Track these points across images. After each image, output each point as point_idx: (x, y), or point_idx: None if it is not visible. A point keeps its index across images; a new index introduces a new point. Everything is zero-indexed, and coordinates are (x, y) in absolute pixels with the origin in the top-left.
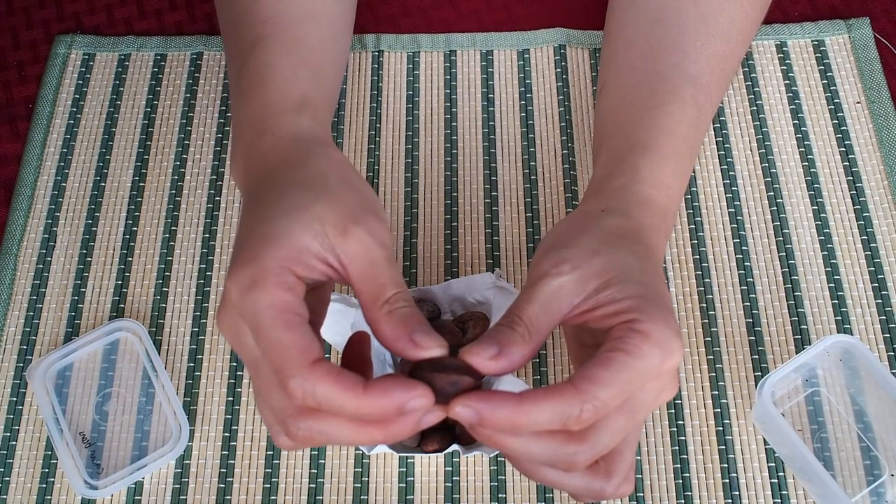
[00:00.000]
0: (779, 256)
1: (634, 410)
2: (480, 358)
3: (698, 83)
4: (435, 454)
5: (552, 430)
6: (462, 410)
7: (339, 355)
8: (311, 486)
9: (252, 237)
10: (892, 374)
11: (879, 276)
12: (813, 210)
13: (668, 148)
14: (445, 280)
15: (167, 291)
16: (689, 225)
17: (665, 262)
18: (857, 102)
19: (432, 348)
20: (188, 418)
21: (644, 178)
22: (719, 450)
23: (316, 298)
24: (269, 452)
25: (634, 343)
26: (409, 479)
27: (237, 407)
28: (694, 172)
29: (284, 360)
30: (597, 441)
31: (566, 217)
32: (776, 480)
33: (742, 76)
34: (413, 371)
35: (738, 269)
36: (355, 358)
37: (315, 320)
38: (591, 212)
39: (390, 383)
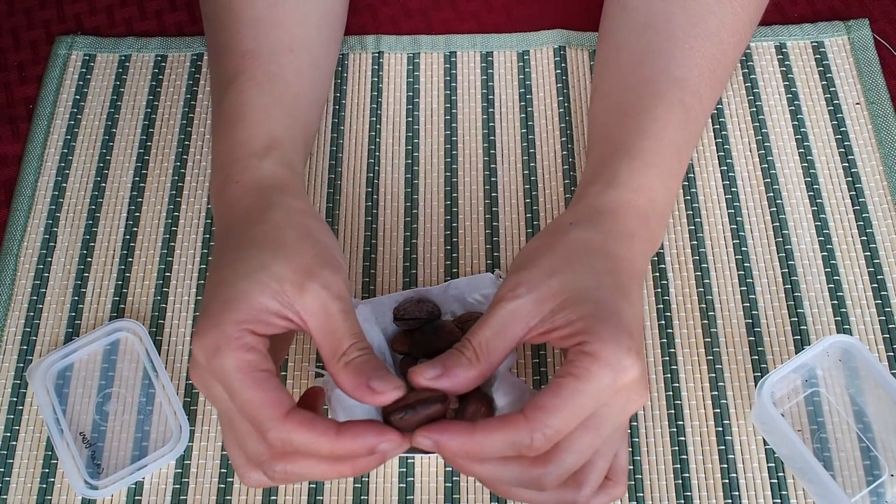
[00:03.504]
0: (779, 257)
1: (598, 427)
2: (422, 377)
3: (685, 86)
4: (435, 454)
5: (514, 455)
6: (423, 440)
7: None
8: (312, 486)
9: (213, 302)
10: (892, 374)
11: (879, 277)
12: (813, 210)
13: (650, 151)
14: (445, 280)
15: (167, 291)
16: (688, 225)
17: (665, 263)
18: (857, 103)
19: (388, 392)
20: (188, 418)
21: (622, 183)
22: (719, 450)
23: (278, 339)
24: None
25: (583, 366)
26: (409, 479)
27: None
28: (693, 173)
29: (260, 416)
30: (561, 462)
31: (539, 232)
32: (776, 480)
33: (742, 77)
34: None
35: (738, 270)
36: (308, 407)
37: (277, 358)
38: (560, 225)
39: (361, 428)
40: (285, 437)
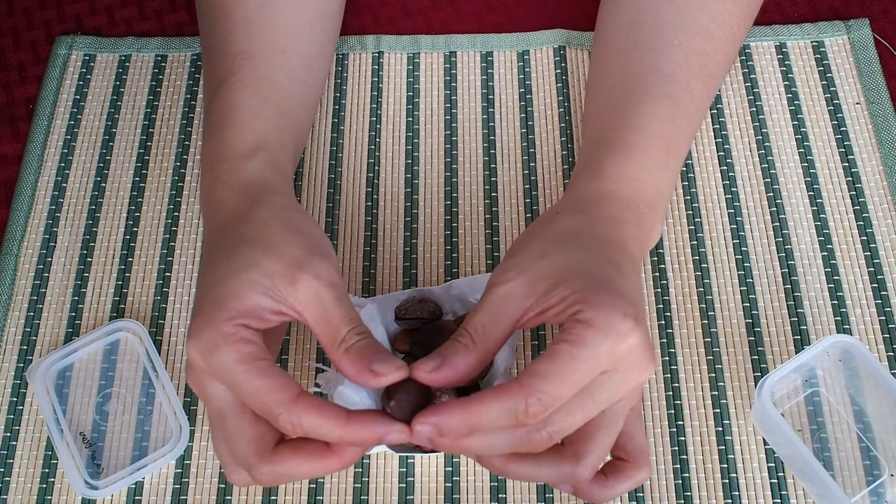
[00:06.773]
0: (779, 257)
1: (593, 393)
2: (422, 371)
3: (673, 80)
4: (435, 454)
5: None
6: (421, 428)
7: None
8: (312, 485)
9: (205, 302)
10: (892, 374)
11: (879, 277)
12: (813, 210)
13: (633, 145)
14: (445, 280)
15: (167, 291)
16: (688, 225)
17: (665, 263)
18: (857, 103)
19: (391, 373)
20: (188, 418)
21: (606, 176)
22: (719, 450)
23: (270, 332)
24: None
25: (577, 332)
26: (409, 479)
27: None
28: (693, 173)
29: (270, 402)
30: (552, 420)
31: (527, 227)
32: (776, 480)
33: (742, 77)
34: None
35: (738, 270)
36: None
37: (271, 351)
38: (546, 216)
39: (371, 417)
40: (296, 420)
